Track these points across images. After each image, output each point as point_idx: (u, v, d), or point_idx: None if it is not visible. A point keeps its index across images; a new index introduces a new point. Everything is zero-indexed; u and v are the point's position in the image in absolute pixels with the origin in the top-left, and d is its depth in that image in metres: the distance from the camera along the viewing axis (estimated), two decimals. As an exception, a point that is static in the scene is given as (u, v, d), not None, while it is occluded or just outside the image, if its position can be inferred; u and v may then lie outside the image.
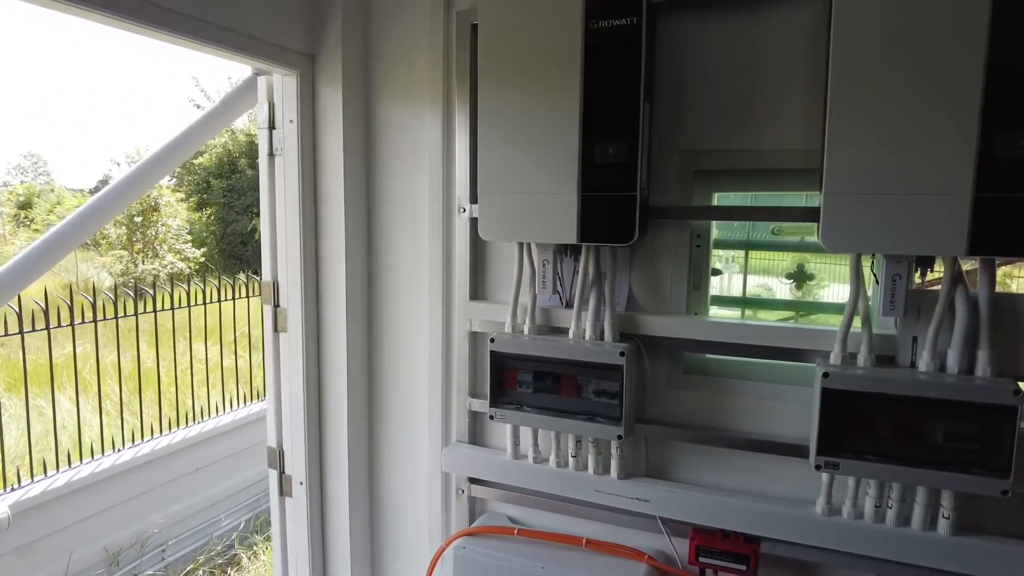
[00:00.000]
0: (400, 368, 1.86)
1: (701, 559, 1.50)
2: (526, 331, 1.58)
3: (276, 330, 1.88)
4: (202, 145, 2.48)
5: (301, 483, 1.87)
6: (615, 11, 1.34)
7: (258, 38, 1.62)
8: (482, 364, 1.71)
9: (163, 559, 3.78)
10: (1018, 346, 1.26)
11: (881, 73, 1.19)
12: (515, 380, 1.57)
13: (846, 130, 1.23)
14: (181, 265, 13.39)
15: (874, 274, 1.36)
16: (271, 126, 1.84)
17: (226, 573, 3.87)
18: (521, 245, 1.57)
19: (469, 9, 1.61)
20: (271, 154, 1.85)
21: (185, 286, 4.25)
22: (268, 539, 4.08)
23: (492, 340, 1.56)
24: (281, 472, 1.92)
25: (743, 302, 1.62)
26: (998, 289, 1.26)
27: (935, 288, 1.31)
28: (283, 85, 1.79)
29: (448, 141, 1.70)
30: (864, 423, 1.30)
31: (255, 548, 4.03)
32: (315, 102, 1.81)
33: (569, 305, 1.58)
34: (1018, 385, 1.20)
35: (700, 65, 1.47)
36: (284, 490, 1.93)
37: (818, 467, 1.32)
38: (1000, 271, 1.29)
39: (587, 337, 1.53)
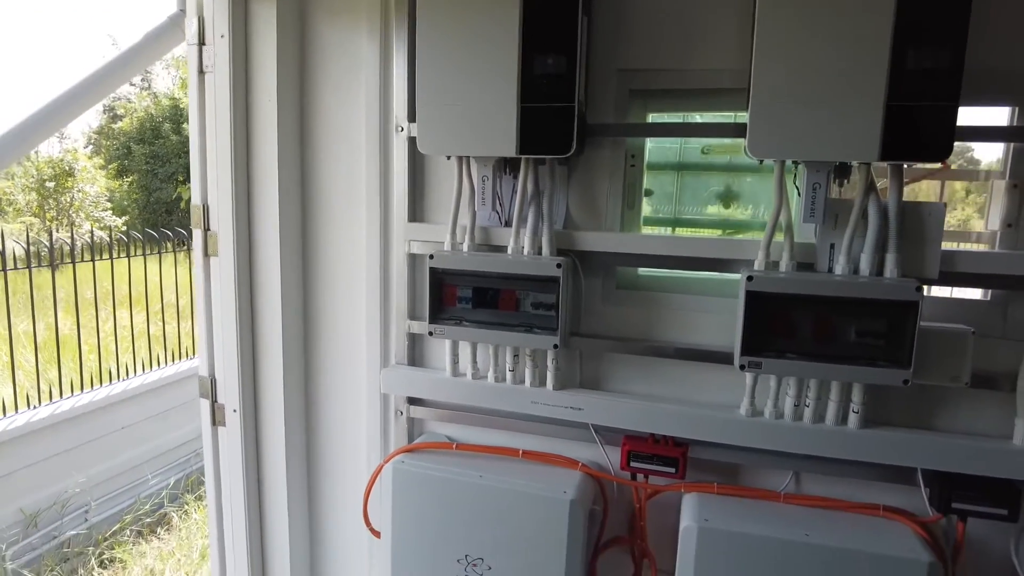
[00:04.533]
0: (337, 292, 1.84)
1: (632, 464, 1.56)
2: (465, 249, 1.59)
3: (206, 254, 1.82)
4: (120, 84, 2.33)
5: (235, 411, 1.83)
6: (554, -82, 1.35)
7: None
8: (421, 286, 1.71)
9: (86, 520, 3.63)
10: (922, 250, 1.36)
11: (805, -13, 1.25)
12: (454, 296, 1.58)
13: (772, 43, 1.28)
14: (100, 234, 12.67)
15: (796, 187, 1.43)
16: (200, 42, 1.76)
17: (155, 532, 3.76)
18: (460, 161, 1.57)
19: (407, -80, 1.58)
20: (201, 71, 1.77)
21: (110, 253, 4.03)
22: (200, 498, 3.98)
23: (431, 257, 1.56)
24: (213, 401, 1.88)
25: (674, 222, 1.69)
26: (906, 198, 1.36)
27: (851, 198, 1.39)
28: (212, -4, 1.72)
29: (385, 58, 1.68)
30: (784, 324, 1.38)
31: (186, 507, 3.92)
32: (247, 16, 1.74)
33: (508, 224, 1.60)
34: (920, 283, 1.30)
35: (637, -19, 1.50)
36: (217, 420, 1.88)
37: (742, 367, 1.40)
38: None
39: (525, 253, 1.55)
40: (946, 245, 1.38)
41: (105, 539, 3.61)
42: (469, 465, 1.61)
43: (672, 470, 1.54)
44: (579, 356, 1.64)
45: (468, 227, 1.58)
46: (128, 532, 3.68)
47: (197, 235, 1.83)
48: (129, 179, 14.88)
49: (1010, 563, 1.45)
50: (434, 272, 1.56)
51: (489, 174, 1.56)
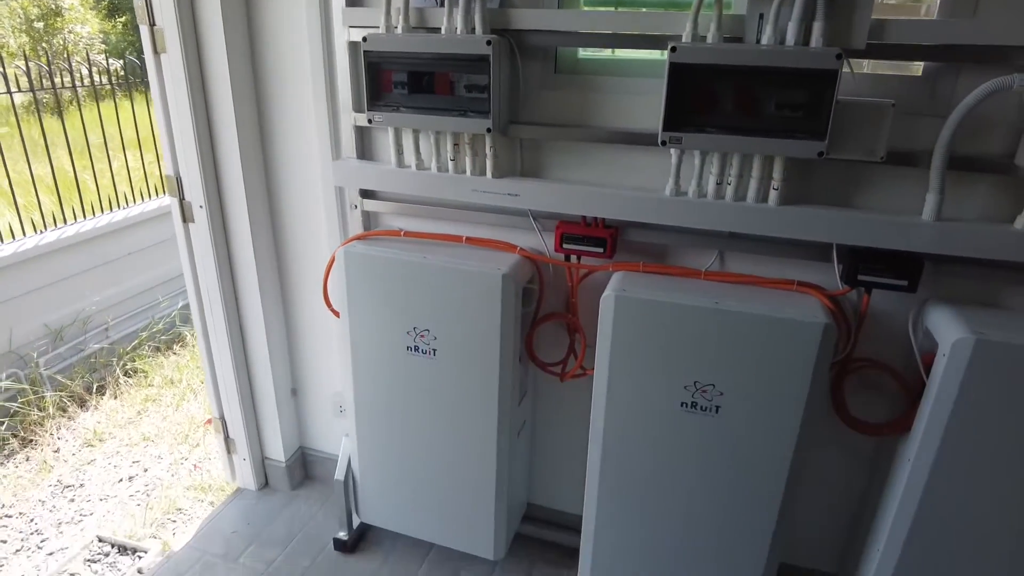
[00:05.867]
0: (286, 84, 1.85)
1: (565, 245, 1.66)
2: (400, 31, 1.58)
3: (156, 52, 1.83)
4: None
5: (201, 207, 1.94)
6: None
7: None
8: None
9: (107, 336, 3.95)
10: (850, 19, 1.33)
11: None
12: (390, 82, 1.60)
13: None
14: (106, 84, 12.36)
15: (731, -49, 1.38)
16: None
17: (171, 348, 4.09)
18: (391, -65, 1.52)
19: None
20: None
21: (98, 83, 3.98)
22: (209, 319, 4.27)
23: (364, 39, 1.56)
24: (181, 199, 1.98)
25: (617, 1, 1.64)
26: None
27: (785, -38, 1.34)
28: None
29: None
30: (706, 98, 1.40)
31: (197, 327, 4.22)
32: None
33: (443, 4, 1.57)
34: (841, 51, 1.28)
35: None
36: (186, 217, 1.99)
37: (663, 142, 1.43)
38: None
39: (459, 33, 1.54)
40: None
41: (126, 353, 3.94)
42: (415, 249, 1.72)
43: (600, 250, 1.63)
44: (519, 145, 1.68)
45: (402, 8, 1.56)
46: (146, 348, 4.01)
47: (144, 32, 1.83)
48: (122, 19, 14.21)
49: (907, 334, 1.56)
50: (368, 56, 1.57)
51: (420, -52, 1.51)
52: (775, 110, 1.37)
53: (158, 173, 4.70)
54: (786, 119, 1.36)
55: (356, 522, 2.16)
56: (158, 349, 4.07)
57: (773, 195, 1.47)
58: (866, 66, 1.49)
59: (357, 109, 1.75)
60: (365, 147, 1.81)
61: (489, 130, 1.54)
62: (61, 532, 2.40)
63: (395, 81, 1.59)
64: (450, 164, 1.67)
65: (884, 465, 1.64)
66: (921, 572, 1.52)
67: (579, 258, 1.68)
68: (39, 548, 2.33)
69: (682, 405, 1.57)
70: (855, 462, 1.76)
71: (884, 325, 1.60)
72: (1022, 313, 1.46)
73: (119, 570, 2.17)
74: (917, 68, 1.44)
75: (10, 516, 2.50)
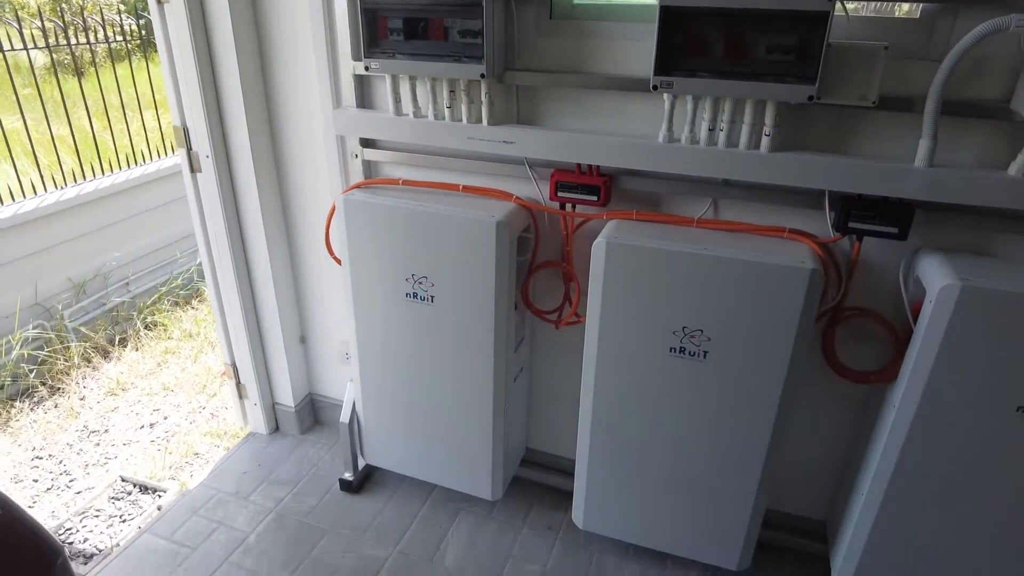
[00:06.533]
0: (287, 33, 1.87)
1: (560, 193, 1.68)
2: (396, -23, 1.58)
3: (159, 2, 1.85)
4: None
5: (207, 156, 1.98)
6: None
7: None
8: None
9: (128, 290, 4.07)
10: (846, -41, 1.31)
11: None
12: (386, 29, 1.61)
13: None
14: (120, 40, 12.38)
15: None
16: None
17: (189, 303, 4.21)
18: None
19: None
20: None
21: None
22: (226, 275, 4.36)
23: (361, -14, 1.57)
24: (188, 149, 2.02)
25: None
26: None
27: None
28: None
29: None
30: (697, 42, 1.39)
31: (215, 283, 4.32)
32: None
33: (439, -50, 1.57)
34: (835, -8, 1.27)
35: None
36: (194, 167, 2.04)
37: (655, 87, 1.44)
38: None
39: (454, -21, 1.54)
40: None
41: (147, 307, 4.06)
42: (413, 197, 1.76)
43: (594, 198, 1.65)
44: (515, 93, 1.69)
45: (398, -45, 1.57)
46: (166, 302, 4.13)
47: (148, -19, 1.85)
48: (140, -19, 14.17)
49: (898, 283, 1.57)
50: (364, 2, 1.58)
51: None
52: (766, 54, 1.36)
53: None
54: (777, 63, 1.36)
55: (361, 464, 2.25)
56: (177, 303, 4.19)
57: (765, 141, 1.47)
58: (863, 9, 1.47)
59: (356, 57, 1.77)
60: (365, 96, 1.83)
61: (483, 76, 1.56)
62: (88, 473, 2.53)
63: (391, 28, 1.60)
64: (446, 112, 1.69)
65: (873, 414, 1.67)
66: (903, 516, 1.55)
67: (574, 207, 1.71)
68: (68, 487, 2.46)
69: (671, 350, 1.61)
70: (845, 411, 1.79)
71: (876, 274, 1.61)
72: (1012, 261, 1.46)
73: (140, 507, 2.29)
74: (915, 10, 1.42)
75: (41, 458, 2.64)
